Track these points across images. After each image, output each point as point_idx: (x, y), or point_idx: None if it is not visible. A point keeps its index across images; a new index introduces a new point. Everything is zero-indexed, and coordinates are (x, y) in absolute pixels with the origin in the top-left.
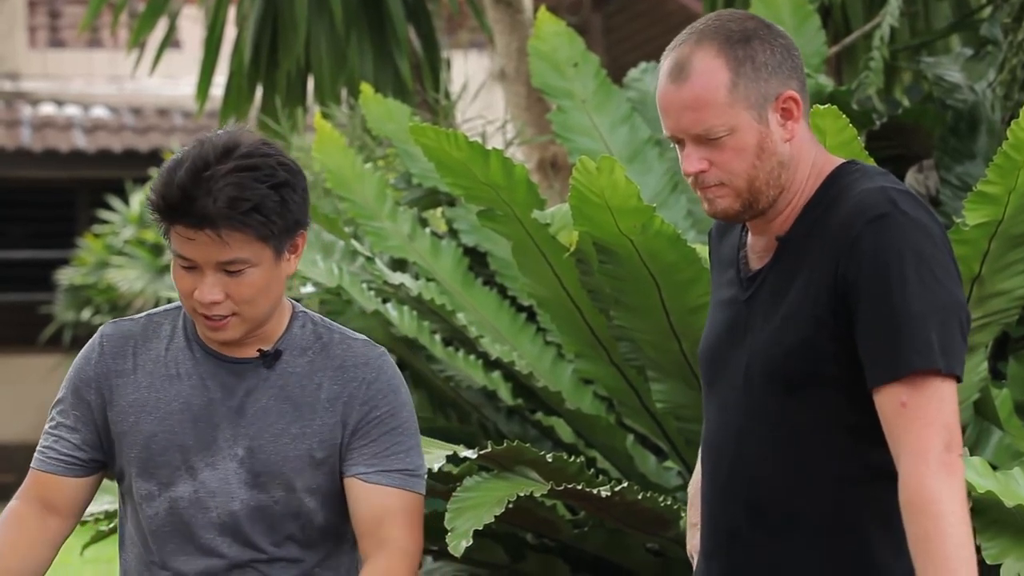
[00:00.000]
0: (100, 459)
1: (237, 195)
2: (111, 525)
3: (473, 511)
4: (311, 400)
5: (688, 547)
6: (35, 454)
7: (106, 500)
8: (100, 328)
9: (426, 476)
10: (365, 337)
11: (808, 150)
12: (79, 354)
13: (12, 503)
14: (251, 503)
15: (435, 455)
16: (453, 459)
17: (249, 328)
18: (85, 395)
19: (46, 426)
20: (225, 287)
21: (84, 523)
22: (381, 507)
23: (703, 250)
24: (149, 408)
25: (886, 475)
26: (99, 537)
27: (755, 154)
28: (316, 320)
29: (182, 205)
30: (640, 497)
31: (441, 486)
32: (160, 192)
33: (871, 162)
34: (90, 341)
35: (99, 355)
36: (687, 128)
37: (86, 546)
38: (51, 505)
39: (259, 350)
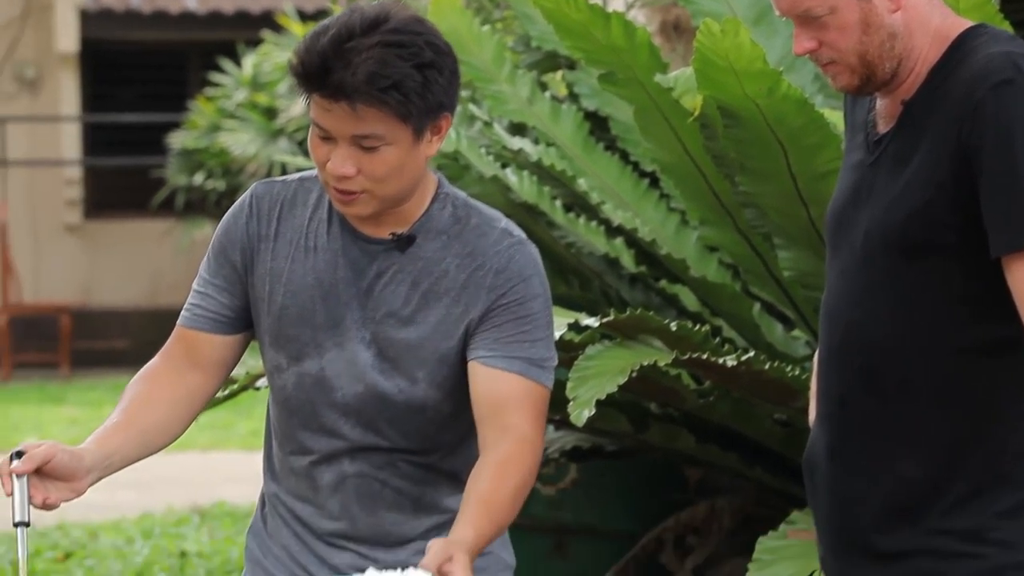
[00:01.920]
0: (246, 319)
1: (377, 71)
2: (226, 391)
3: (596, 380)
4: (437, 288)
5: (809, 418)
6: (182, 312)
7: None
8: (252, 187)
9: (553, 371)
10: (507, 223)
11: (926, 15)
12: (228, 212)
13: (152, 360)
14: (375, 389)
15: (557, 323)
16: (575, 327)
17: (381, 206)
18: (231, 255)
19: (194, 283)
20: (358, 162)
21: None
22: (501, 393)
23: (831, 115)
24: (283, 279)
25: (1003, 347)
26: (215, 403)
27: (860, 30)
28: (459, 202)
29: (320, 74)
30: (767, 367)
31: (563, 354)
32: (300, 58)
33: (1005, 26)
34: (239, 200)
35: (247, 216)
36: (789, 9)
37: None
38: (194, 361)
39: (392, 232)
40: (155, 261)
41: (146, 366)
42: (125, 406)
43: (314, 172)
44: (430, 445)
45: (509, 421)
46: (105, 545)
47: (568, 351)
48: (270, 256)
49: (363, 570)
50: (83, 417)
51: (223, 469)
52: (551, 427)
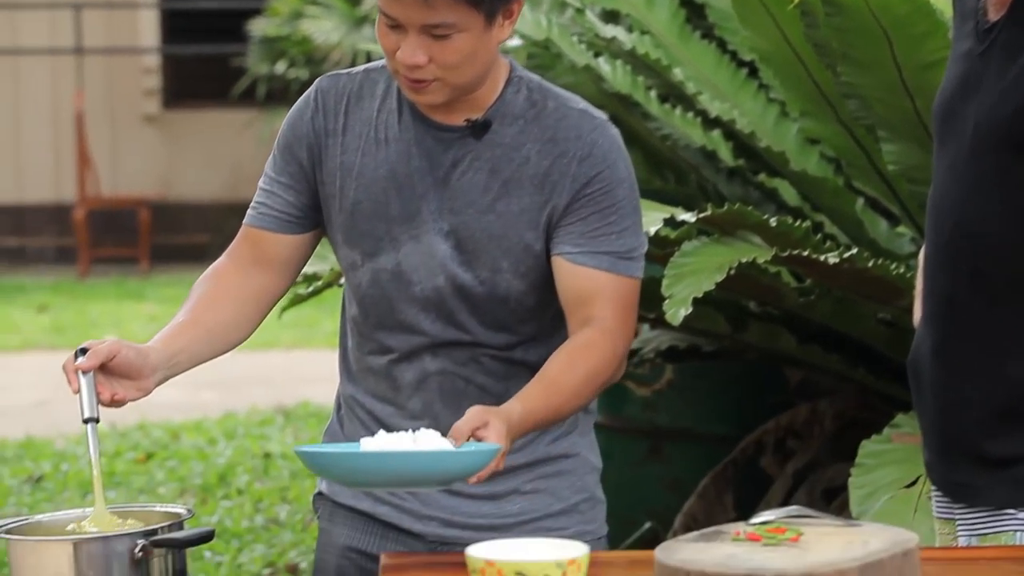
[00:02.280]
0: (315, 217)
1: None
2: (310, 288)
3: (692, 277)
4: (518, 176)
5: (915, 318)
6: (248, 210)
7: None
8: (316, 81)
9: (643, 258)
10: (585, 105)
11: None
12: (292, 108)
13: (218, 260)
14: (456, 281)
15: (652, 218)
16: (670, 222)
17: (453, 94)
18: (297, 152)
19: (260, 181)
20: (429, 50)
21: None
22: (587, 290)
23: (938, 2)
24: (355, 173)
25: None
26: (298, 300)
27: None
28: (533, 85)
29: None
30: (870, 264)
31: (658, 251)
32: None
33: None
34: (304, 95)
35: (312, 111)
36: None
37: (284, 309)
38: (261, 261)
39: (466, 119)
40: (235, 153)
41: (213, 265)
42: (191, 305)
43: (380, 63)
44: (514, 338)
45: (593, 313)
46: (187, 446)
47: (664, 247)
48: (339, 151)
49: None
50: (162, 314)
51: (307, 368)
52: (645, 326)
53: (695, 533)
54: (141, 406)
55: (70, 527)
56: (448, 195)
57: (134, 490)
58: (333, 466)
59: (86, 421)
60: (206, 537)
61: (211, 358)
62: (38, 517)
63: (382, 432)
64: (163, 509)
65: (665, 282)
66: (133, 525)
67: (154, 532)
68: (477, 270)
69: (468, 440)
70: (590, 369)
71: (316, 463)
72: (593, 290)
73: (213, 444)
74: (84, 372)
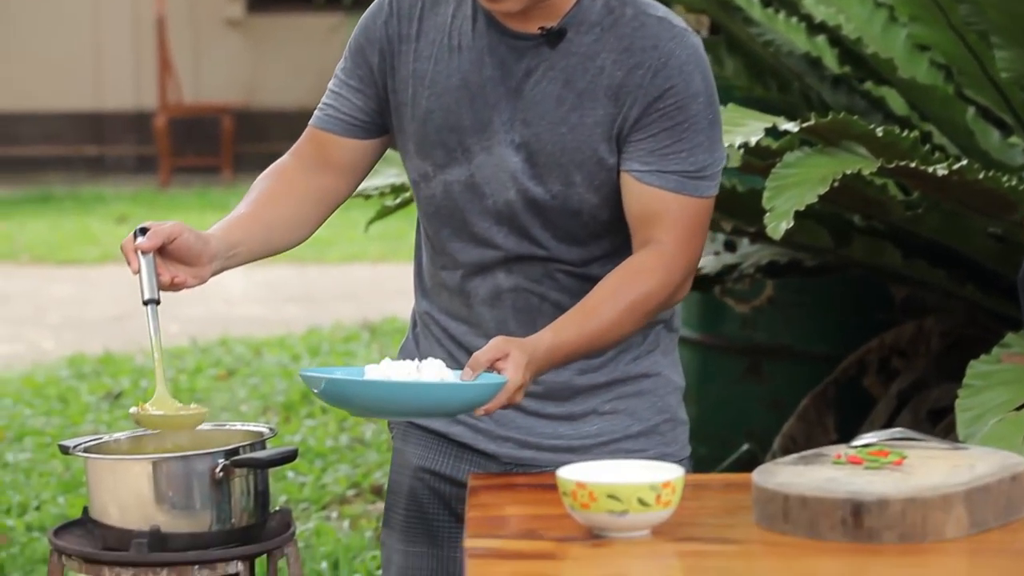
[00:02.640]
0: (381, 124)
1: None
2: (397, 200)
3: (794, 189)
4: (592, 86)
5: None
6: (315, 110)
7: (392, 173)
8: None
9: (717, 175)
10: (666, 12)
11: None
12: (366, 11)
13: (282, 158)
14: (528, 195)
15: (752, 127)
16: (772, 132)
17: (529, 1)
18: (368, 56)
19: (330, 82)
20: None
21: (369, 197)
22: (652, 210)
23: None
24: (427, 82)
25: None
26: (385, 213)
27: None
28: None
29: None
30: (981, 176)
31: (758, 162)
32: None
33: None
34: None
35: (386, 15)
36: None
37: (371, 221)
38: (324, 163)
39: (541, 27)
40: (321, 58)
41: (276, 162)
42: (253, 199)
43: None
44: (589, 253)
45: (654, 235)
46: (270, 363)
47: (765, 158)
48: (412, 57)
49: (527, 395)
50: None
51: (394, 282)
52: (745, 240)
53: (794, 456)
54: (223, 320)
55: (136, 413)
56: (520, 106)
57: (215, 408)
58: (332, 392)
59: (147, 303)
60: (289, 457)
61: (269, 254)
62: (117, 435)
63: (387, 360)
64: (245, 428)
65: (766, 194)
66: (208, 438)
67: (235, 452)
68: (549, 184)
69: (487, 371)
70: (637, 297)
71: (317, 387)
72: (657, 211)
73: (296, 361)
74: (144, 252)
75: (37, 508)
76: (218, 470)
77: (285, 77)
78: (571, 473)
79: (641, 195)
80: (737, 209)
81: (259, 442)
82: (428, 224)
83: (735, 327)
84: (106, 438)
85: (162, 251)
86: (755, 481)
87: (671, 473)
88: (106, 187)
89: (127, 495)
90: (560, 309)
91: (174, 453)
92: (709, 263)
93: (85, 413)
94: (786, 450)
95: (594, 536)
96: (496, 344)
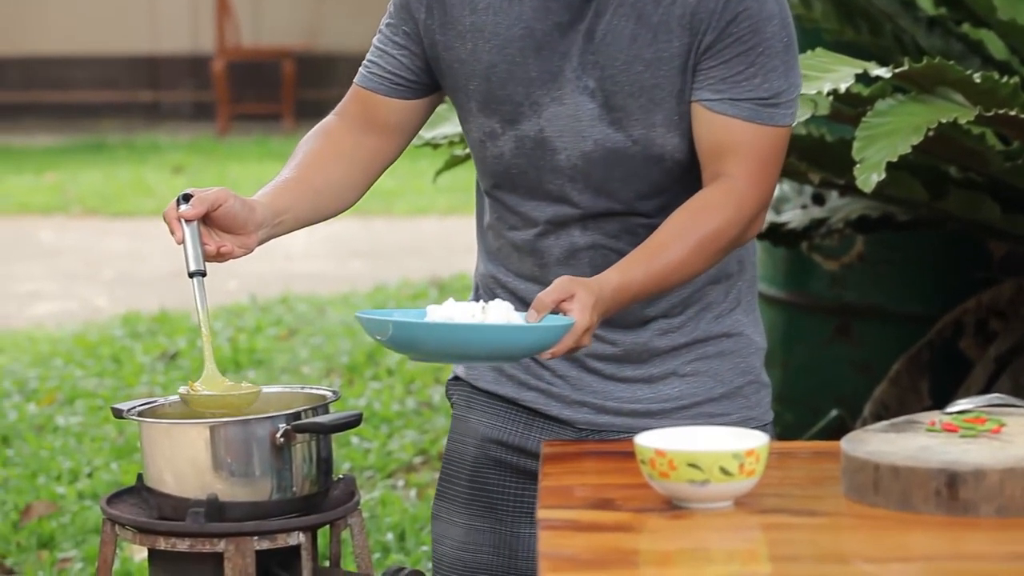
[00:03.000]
0: (430, 82)
1: None
2: (467, 149)
3: (886, 139)
4: (665, 18)
5: None
6: (359, 68)
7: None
8: None
9: (793, 104)
10: None
11: None
12: None
13: (324, 120)
14: (606, 143)
15: (842, 73)
16: (863, 78)
17: None
18: (415, 11)
19: (374, 39)
20: None
21: (437, 146)
22: (723, 142)
23: None
24: (487, 34)
25: None
26: (454, 163)
27: None
28: None
29: None
30: None
31: (849, 110)
32: None
33: None
34: None
35: None
36: None
37: (440, 172)
38: (371, 124)
39: None
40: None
41: (321, 123)
42: (299, 162)
43: None
44: (667, 202)
45: (724, 168)
46: (333, 321)
47: (855, 106)
48: (468, 10)
49: (599, 355)
50: None
51: (464, 237)
52: (834, 193)
53: (885, 423)
54: (285, 277)
55: (185, 393)
56: (592, 49)
57: (275, 369)
58: (391, 334)
59: (192, 275)
60: (353, 421)
61: (316, 221)
62: (172, 397)
63: (451, 300)
64: (307, 391)
65: (856, 145)
66: (268, 402)
67: (297, 416)
68: (629, 128)
69: (552, 312)
70: (705, 234)
71: (376, 330)
72: (729, 142)
73: None
74: (188, 221)
75: (89, 475)
76: (279, 435)
77: (349, 18)
78: (650, 440)
79: (712, 125)
80: (825, 160)
81: (322, 406)
82: (495, 184)
83: (823, 285)
84: (161, 401)
85: (206, 219)
86: (844, 449)
87: (755, 440)
88: (161, 135)
89: (183, 461)
90: None
91: (233, 417)
92: (796, 217)
93: (139, 374)
94: (877, 417)
95: (673, 507)
96: (561, 284)
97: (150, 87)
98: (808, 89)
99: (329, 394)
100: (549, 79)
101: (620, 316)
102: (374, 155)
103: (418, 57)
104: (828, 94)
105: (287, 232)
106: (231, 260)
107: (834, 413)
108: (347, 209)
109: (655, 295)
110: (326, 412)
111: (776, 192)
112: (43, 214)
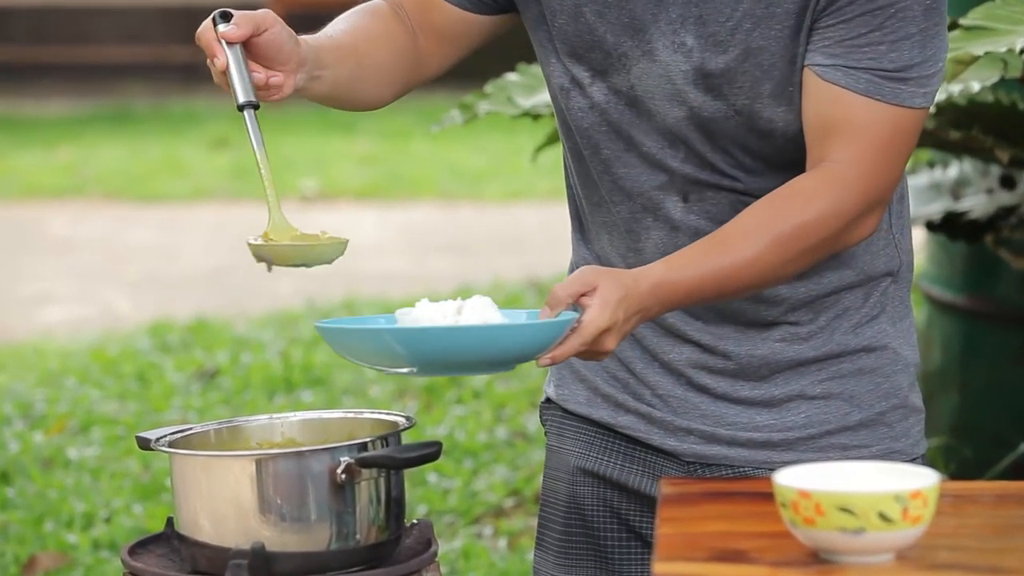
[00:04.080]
0: (502, 2)
1: None
2: None
3: None
4: None
5: None
6: None
7: None
8: None
9: (930, 82)
10: None
11: None
12: None
13: (372, 1)
14: (703, 112)
15: None
16: None
17: None
18: None
19: None
20: None
21: (538, 117)
22: (831, 116)
23: None
24: None
25: None
26: (557, 137)
27: None
28: None
29: None
30: None
31: None
32: None
33: None
34: None
35: None
36: None
37: (540, 148)
38: (425, 23)
39: None
40: None
41: (368, 3)
42: (344, 28)
43: None
44: (783, 179)
45: (829, 151)
46: None
47: None
48: None
49: (708, 368)
50: (381, 153)
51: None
52: None
53: None
54: (349, 276)
55: (256, 244)
56: (696, 0)
57: (336, 391)
58: (353, 344)
59: (242, 107)
60: (431, 455)
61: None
62: (210, 424)
63: (425, 301)
64: (374, 416)
65: None
66: (327, 430)
67: (363, 447)
68: (731, 96)
69: (569, 308)
70: (789, 228)
71: (337, 341)
72: (838, 119)
73: None
74: (231, 43)
75: (107, 520)
76: (340, 471)
77: None
78: (792, 479)
79: (821, 97)
80: (1017, 133)
81: (393, 434)
82: (583, 142)
83: (1012, 289)
84: (197, 429)
85: (247, 45)
86: None
87: (922, 479)
88: (200, 102)
89: (223, 503)
90: None
91: (284, 449)
92: (979, 204)
93: (170, 397)
94: None
95: (821, 560)
96: (583, 275)
97: (187, 42)
98: (996, 46)
99: (402, 420)
100: (640, 29)
101: (732, 318)
102: (419, 58)
103: None
104: (1022, 51)
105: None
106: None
107: None
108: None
109: (717, 300)
110: (398, 443)
111: (955, 173)
112: (55, 198)
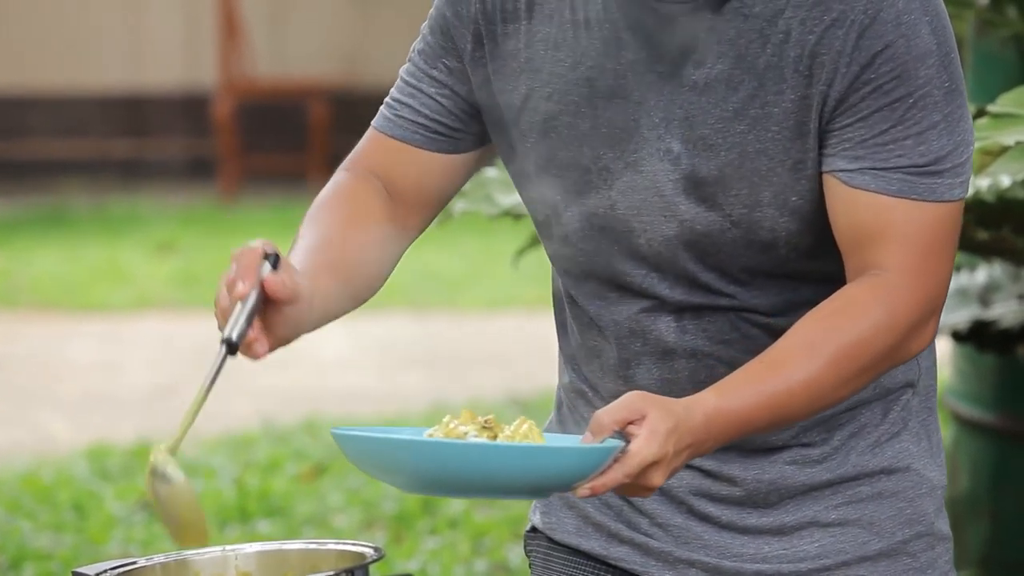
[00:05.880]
0: (478, 132)
1: None
2: None
3: None
4: (776, 61)
5: None
6: (381, 109)
7: None
8: None
9: (963, 169)
10: None
11: None
12: None
13: (336, 177)
14: (697, 225)
15: None
16: None
17: None
18: (458, 38)
19: (402, 70)
20: None
21: (519, 217)
22: (866, 224)
23: None
24: (545, 75)
25: None
26: (539, 240)
27: None
28: None
29: None
30: None
31: None
32: None
33: None
34: None
35: None
36: None
37: (522, 251)
38: (398, 184)
39: None
40: None
41: (336, 182)
42: (327, 235)
43: None
44: (794, 296)
45: (873, 259)
46: None
47: None
48: (523, 42)
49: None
50: None
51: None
52: None
53: None
54: (311, 394)
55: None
56: (679, 100)
57: (296, 520)
58: (371, 456)
59: (227, 343)
60: None
61: (339, 316)
62: (156, 557)
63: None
64: (339, 547)
65: None
66: (287, 562)
67: None
68: (726, 206)
69: (612, 436)
70: (845, 344)
71: (353, 449)
72: (876, 226)
73: None
74: (261, 289)
75: None
76: None
77: (397, 45)
78: None
79: (853, 204)
80: None
81: (360, 567)
82: (566, 274)
83: None
84: (142, 563)
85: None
86: None
87: None
88: (144, 201)
89: None
90: None
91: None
92: (1010, 312)
93: (111, 528)
94: None
95: None
96: (630, 401)
97: (130, 135)
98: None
99: (370, 552)
100: (621, 138)
101: (738, 442)
102: (405, 227)
103: (462, 99)
104: None
105: (304, 334)
106: (246, 358)
107: None
108: (368, 300)
109: (771, 429)
110: None
111: (983, 277)
112: None
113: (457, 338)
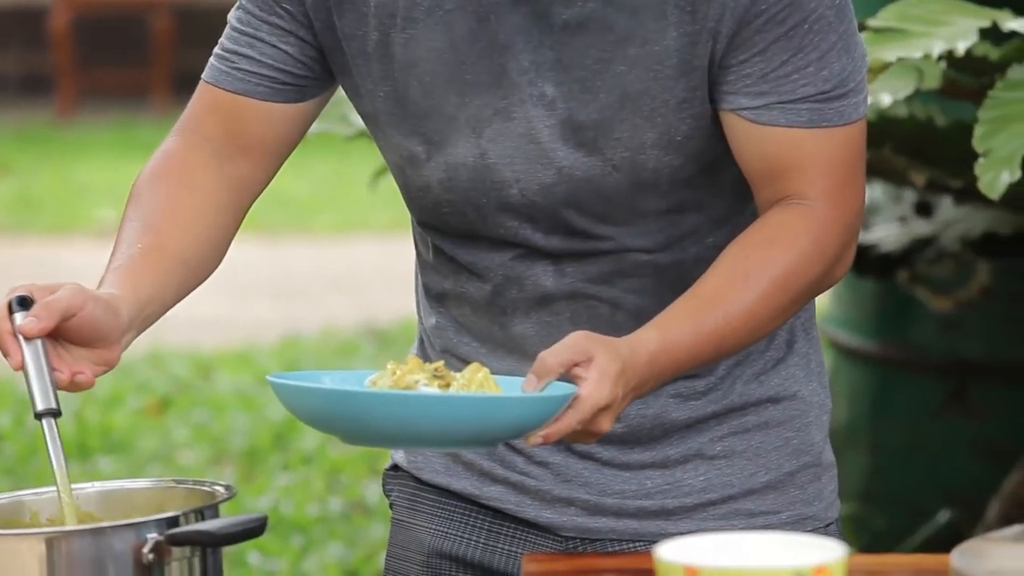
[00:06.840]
0: (323, 74)
1: None
2: None
3: (1019, 126)
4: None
5: None
6: (211, 61)
7: None
8: None
9: (863, 85)
10: None
11: None
12: None
13: (167, 143)
14: (575, 172)
15: (960, 28)
16: (991, 34)
17: None
18: None
19: (232, 19)
20: None
21: None
22: (781, 157)
23: None
24: (400, 19)
25: None
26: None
27: None
28: None
29: None
30: None
31: (970, 80)
32: None
33: None
34: None
35: None
36: None
37: (378, 174)
38: (239, 141)
39: None
40: None
41: (165, 151)
42: (150, 220)
43: None
44: (676, 230)
45: (789, 191)
46: (224, 389)
47: (979, 75)
48: None
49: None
50: None
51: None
52: (947, 201)
53: (1018, 527)
54: (155, 325)
55: (43, 515)
56: (550, 42)
57: (142, 456)
58: (311, 406)
59: (40, 416)
60: (254, 530)
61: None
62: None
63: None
64: (187, 486)
65: (978, 130)
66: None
67: (173, 521)
68: (608, 151)
69: (564, 380)
70: (780, 272)
71: (290, 399)
72: (789, 159)
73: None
74: (29, 339)
75: None
76: (147, 549)
77: None
78: (676, 552)
79: (761, 140)
80: (935, 153)
81: (209, 507)
82: (425, 223)
83: (931, 333)
84: None
85: (55, 332)
86: (955, 566)
87: (827, 551)
88: None
89: None
90: (641, 319)
91: (80, 525)
92: (891, 236)
93: None
94: (1006, 519)
95: None
96: (575, 342)
97: None
98: (910, 51)
99: (220, 491)
100: (489, 83)
101: None
102: (242, 189)
103: (307, 44)
104: (940, 58)
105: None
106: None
107: (945, 515)
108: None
109: (708, 364)
110: (215, 516)
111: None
112: None
113: (309, 264)
